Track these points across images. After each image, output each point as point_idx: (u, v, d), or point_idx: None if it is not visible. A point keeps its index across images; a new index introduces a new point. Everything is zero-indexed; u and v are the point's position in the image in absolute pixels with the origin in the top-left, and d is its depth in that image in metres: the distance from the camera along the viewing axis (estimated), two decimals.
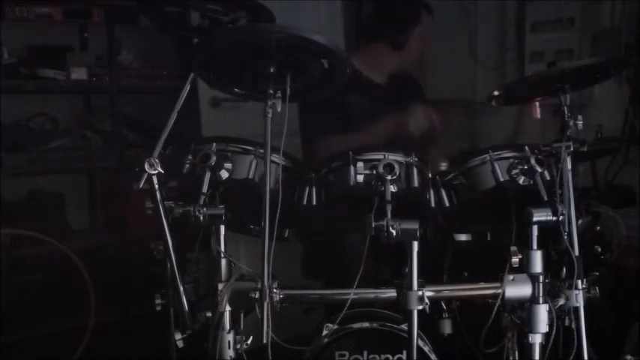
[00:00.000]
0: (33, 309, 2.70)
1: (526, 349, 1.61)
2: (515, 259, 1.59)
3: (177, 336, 1.58)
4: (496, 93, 1.73)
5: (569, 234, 1.56)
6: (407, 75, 2.53)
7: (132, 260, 2.89)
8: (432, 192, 1.68)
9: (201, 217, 1.51)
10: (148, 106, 3.11)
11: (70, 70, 2.97)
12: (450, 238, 1.88)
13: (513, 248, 1.60)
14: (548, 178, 1.65)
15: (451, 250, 1.91)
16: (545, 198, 1.58)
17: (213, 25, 1.60)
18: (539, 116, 1.72)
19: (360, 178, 1.58)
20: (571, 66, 1.65)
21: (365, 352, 1.71)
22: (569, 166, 1.58)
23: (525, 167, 1.62)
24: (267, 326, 1.33)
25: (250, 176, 1.61)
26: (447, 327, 1.81)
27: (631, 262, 2.16)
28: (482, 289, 1.66)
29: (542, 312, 1.58)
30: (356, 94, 2.26)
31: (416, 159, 1.64)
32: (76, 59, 3.02)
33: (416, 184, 1.63)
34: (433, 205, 1.68)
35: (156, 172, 1.46)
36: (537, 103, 1.73)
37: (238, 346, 1.59)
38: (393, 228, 1.48)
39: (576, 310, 1.58)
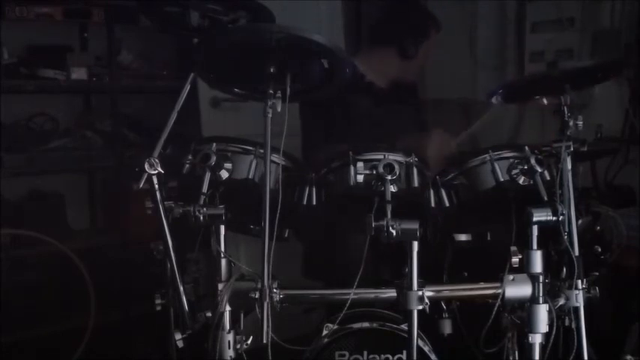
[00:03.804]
0: (33, 309, 2.70)
1: (526, 349, 1.61)
2: (515, 259, 1.59)
3: (177, 336, 1.58)
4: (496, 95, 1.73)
5: (569, 234, 1.56)
6: (410, 82, 2.53)
7: (132, 260, 2.88)
8: (431, 192, 1.68)
9: (201, 217, 1.51)
10: (148, 106, 3.11)
11: (70, 70, 2.97)
12: (450, 238, 1.88)
13: (513, 248, 1.60)
14: (548, 178, 1.65)
15: (451, 250, 1.91)
16: (545, 198, 1.58)
17: (213, 25, 1.60)
18: None
19: (360, 178, 1.58)
20: (570, 68, 1.65)
21: (365, 352, 1.71)
22: (569, 166, 1.59)
23: (525, 167, 1.62)
24: (267, 326, 1.33)
25: (250, 176, 1.61)
26: (447, 327, 1.81)
27: (631, 262, 2.16)
28: (482, 289, 1.66)
29: (542, 312, 1.58)
30: (361, 98, 2.26)
31: (416, 159, 1.64)
32: (76, 59, 3.02)
33: (416, 184, 1.63)
34: (433, 205, 1.68)
35: (156, 172, 1.46)
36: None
37: (238, 346, 1.59)
38: (393, 228, 1.48)
39: (576, 310, 1.57)
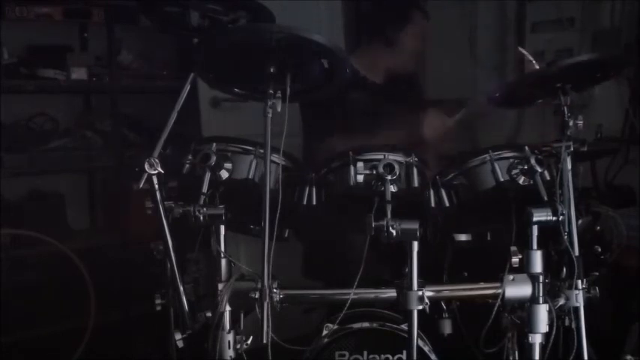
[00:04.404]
0: (33, 309, 2.70)
1: (526, 349, 1.61)
2: (515, 259, 1.59)
3: (177, 336, 1.58)
4: (496, 95, 1.73)
5: (569, 234, 1.56)
6: (406, 75, 2.54)
7: (132, 260, 2.88)
8: (431, 192, 1.68)
9: (201, 217, 1.51)
10: (148, 106, 3.10)
11: (70, 70, 2.96)
12: (450, 238, 1.88)
13: (513, 248, 1.60)
14: (548, 178, 1.65)
15: (451, 250, 1.91)
16: (545, 198, 1.58)
17: (213, 25, 1.60)
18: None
19: (360, 178, 1.58)
20: (569, 62, 1.65)
21: (365, 352, 1.71)
22: (569, 166, 1.59)
23: (525, 167, 1.62)
24: (267, 326, 1.34)
25: (250, 176, 1.61)
26: (447, 327, 1.81)
27: (631, 262, 2.16)
28: (482, 289, 1.66)
29: (542, 312, 1.58)
30: (356, 93, 2.26)
31: (416, 159, 1.64)
32: (76, 59, 3.02)
33: (416, 184, 1.63)
34: (433, 205, 1.68)
35: (156, 172, 1.46)
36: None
37: (238, 346, 1.59)
38: (393, 228, 1.48)
39: (576, 310, 1.58)
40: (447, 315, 1.81)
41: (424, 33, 2.45)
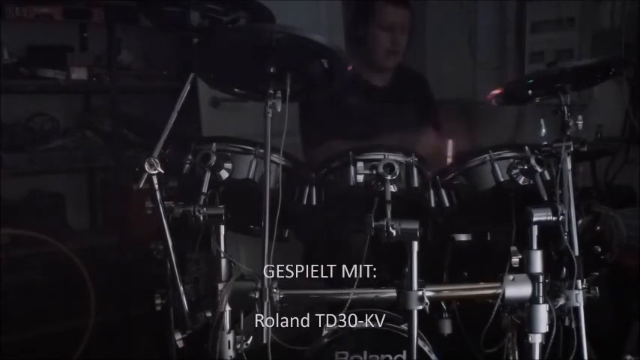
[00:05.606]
0: (33, 309, 2.70)
1: (526, 349, 1.61)
2: (515, 259, 1.59)
3: (177, 336, 1.58)
4: (496, 92, 1.73)
5: (569, 234, 1.56)
6: (411, 71, 2.53)
7: (132, 260, 2.89)
8: (431, 192, 1.68)
9: (201, 217, 1.51)
10: (148, 106, 3.11)
11: (70, 70, 2.97)
12: (450, 238, 1.88)
13: (513, 248, 1.60)
14: (548, 178, 1.65)
15: (451, 250, 1.91)
16: (545, 198, 1.58)
17: (213, 25, 1.60)
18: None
19: (360, 178, 1.58)
20: (571, 66, 1.65)
21: (365, 352, 1.71)
22: (569, 166, 1.59)
23: (525, 167, 1.62)
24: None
25: (250, 176, 1.61)
26: (447, 327, 1.81)
27: (631, 262, 2.16)
28: (482, 289, 1.66)
29: (542, 312, 1.58)
30: (356, 97, 2.26)
31: (416, 159, 1.64)
32: (76, 59, 3.02)
33: (416, 184, 1.63)
34: (433, 205, 1.68)
35: (156, 172, 1.46)
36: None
37: (238, 346, 1.59)
38: (393, 228, 1.48)
39: (576, 310, 1.57)
40: (447, 315, 1.81)
41: (400, 23, 2.35)
